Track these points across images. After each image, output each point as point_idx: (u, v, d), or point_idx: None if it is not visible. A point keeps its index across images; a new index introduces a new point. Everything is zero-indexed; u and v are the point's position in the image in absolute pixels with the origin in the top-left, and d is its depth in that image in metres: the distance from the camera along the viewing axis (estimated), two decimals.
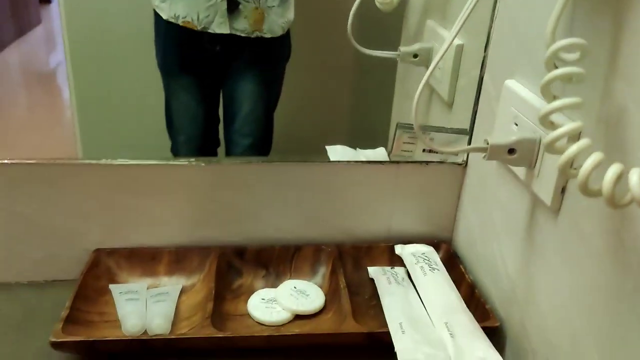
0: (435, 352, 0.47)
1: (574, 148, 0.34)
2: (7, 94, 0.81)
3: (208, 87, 0.71)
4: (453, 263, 0.63)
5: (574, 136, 0.37)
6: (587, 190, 0.33)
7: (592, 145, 0.34)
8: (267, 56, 0.71)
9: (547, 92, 0.36)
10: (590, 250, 0.40)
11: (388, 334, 0.51)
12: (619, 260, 0.37)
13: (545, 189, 0.45)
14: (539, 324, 0.47)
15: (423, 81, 0.45)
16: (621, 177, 0.31)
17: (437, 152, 0.61)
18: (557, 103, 0.35)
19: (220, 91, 0.71)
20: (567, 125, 0.35)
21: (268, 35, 0.68)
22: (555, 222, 0.45)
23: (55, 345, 0.49)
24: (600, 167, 0.33)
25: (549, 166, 0.44)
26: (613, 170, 0.30)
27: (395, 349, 0.47)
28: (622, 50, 0.36)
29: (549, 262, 0.46)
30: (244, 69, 0.70)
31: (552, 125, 0.37)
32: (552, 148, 0.36)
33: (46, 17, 0.81)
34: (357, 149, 0.72)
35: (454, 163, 0.63)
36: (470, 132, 0.61)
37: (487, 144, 0.45)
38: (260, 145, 0.74)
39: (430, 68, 0.45)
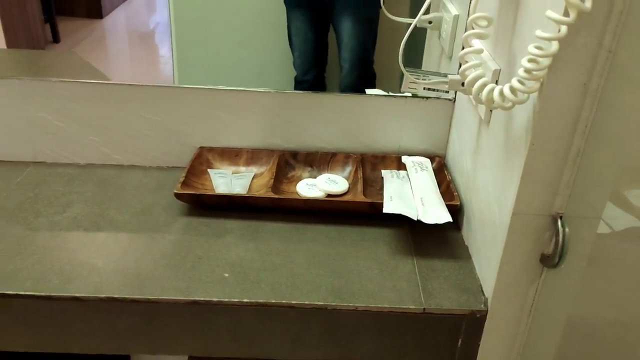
0: (410, 210, 0.75)
1: (472, 76, 0.59)
2: (115, 48, 1.11)
3: (318, 18, 0.99)
4: (441, 170, 0.89)
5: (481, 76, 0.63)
6: (478, 99, 0.59)
7: (484, 75, 0.60)
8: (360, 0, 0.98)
9: (466, 42, 0.62)
10: (497, 142, 0.66)
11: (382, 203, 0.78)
12: (508, 144, 0.63)
13: (482, 109, 0.70)
14: (476, 198, 0.74)
15: (407, 34, 0.71)
16: (490, 88, 0.57)
17: (432, 90, 0.86)
18: (466, 50, 0.60)
19: (330, 22, 0.99)
20: (474, 72, 0.61)
21: None
22: (487, 130, 0.70)
23: (177, 196, 0.81)
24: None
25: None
26: (481, 82, 0.56)
27: (383, 208, 0.75)
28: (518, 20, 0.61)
29: (483, 158, 0.72)
30: (342, 8, 0.97)
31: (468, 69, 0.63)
32: (466, 78, 0.62)
33: None
34: (389, 92, 0.99)
35: (446, 99, 0.89)
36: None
37: (447, 77, 0.71)
38: (359, 71, 1.00)
39: (411, 26, 0.71)
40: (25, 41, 1.03)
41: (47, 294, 0.66)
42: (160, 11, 1.00)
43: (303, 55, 1.00)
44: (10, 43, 0.99)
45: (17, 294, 0.66)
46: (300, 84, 1.00)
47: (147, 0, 1.10)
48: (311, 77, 1.01)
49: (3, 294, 0.66)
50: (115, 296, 0.66)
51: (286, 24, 0.98)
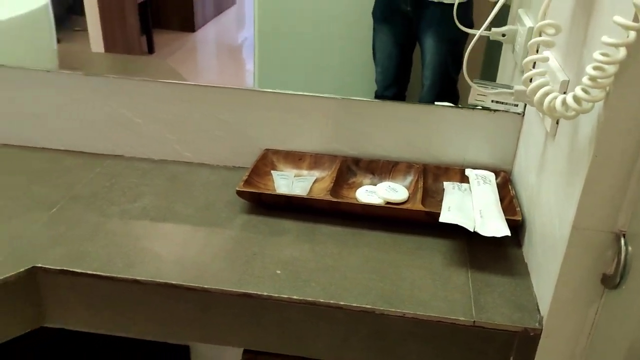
0: (467, 221, 0.73)
1: (536, 83, 0.58)
2: (204, 61, 1.16)
3: (403, 34, 0.99)
4: (505, 185, 0.86)
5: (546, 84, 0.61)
6: (540, 109, 0.57)
7: (548, 84, 0.58)
8: (445, 19, 0.94)
9: (532, 50, 0.60)
10: (562, 154, 0.63)
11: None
12: (572, 156, 0.60)
13: (548, 121, 0.68)
14: (539, 213, 0.71)
15: (471, 44, 0.70)
16: (552, 97, 0.55)
17: (501, 103, 0.85)
18: (531, 57, 0.59)
19: (416, 39, 0.99)
20: (538, 79, 0.60)
21: (447, 1, 0.92)
22: (552, 143, 0.68)
23: (239, 193, 0.83)
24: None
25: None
26: (543, 90, 0.55)
27: (440, 218, 0.74)
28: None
29: (548, 172, 0.69)
30: (427, 26, 0.97)
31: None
32: (529, 86, 0.60)
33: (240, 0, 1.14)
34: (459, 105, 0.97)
35: (515, 112, 0.86)
36: None
37: (513, 89, 0.70)
38: (439, 90, 0.98)
39: (476, 37, 0.71)
40: (122, 50, 1.11)
41: (111, 274, 0.70)
42: (249, 27, 1.04)
43: (385, 70, 1.00)
44: (108, 51, 1.07)
45: (83, 273, 0.70)
46: (380, 100, 0.99)
47: (237, 15, 1.15)
48: (391, 94, 1.01)
49: (72, 271, 0.71)
50: (173, 282, 0.69)
51: (371, 38, 0.98)
